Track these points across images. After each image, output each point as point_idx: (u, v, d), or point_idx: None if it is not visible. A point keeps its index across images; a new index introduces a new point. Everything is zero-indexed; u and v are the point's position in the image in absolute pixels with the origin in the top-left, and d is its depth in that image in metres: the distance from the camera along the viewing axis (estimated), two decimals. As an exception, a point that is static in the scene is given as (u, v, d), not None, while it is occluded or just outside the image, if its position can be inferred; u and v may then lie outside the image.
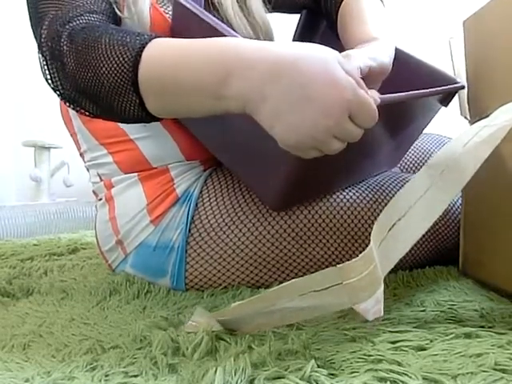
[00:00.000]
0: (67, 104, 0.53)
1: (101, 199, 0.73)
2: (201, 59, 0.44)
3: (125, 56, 0.46)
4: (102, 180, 0.73)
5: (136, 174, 0.69)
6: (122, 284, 0.68)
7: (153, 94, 0.47)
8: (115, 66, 0.47)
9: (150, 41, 0.47)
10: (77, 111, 0.53)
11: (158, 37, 0.48)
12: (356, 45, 0.60)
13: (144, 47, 0.46)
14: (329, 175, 0.62)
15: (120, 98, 0.48)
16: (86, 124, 0.72)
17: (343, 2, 0.73)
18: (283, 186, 0.58)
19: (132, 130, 0.68)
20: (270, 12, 0.79)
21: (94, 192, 0.77)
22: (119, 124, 0.68)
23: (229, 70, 0.42)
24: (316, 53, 0.41)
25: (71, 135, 0.77)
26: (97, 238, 0.75)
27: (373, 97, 0.42)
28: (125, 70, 0.46)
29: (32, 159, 1.81)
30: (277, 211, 0.65)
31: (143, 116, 0.49)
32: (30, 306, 0.61)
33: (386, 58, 0.56)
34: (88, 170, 0.77)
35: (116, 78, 0.47)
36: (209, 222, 0.66)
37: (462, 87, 0.63)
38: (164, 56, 0.46)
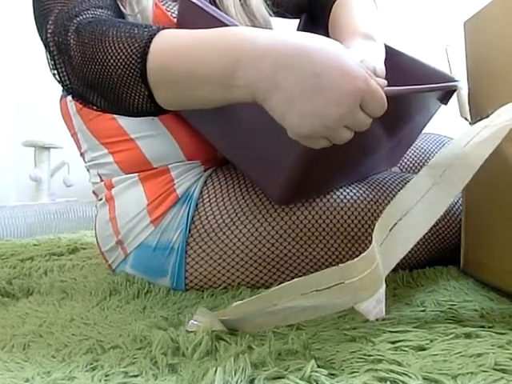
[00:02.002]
0: (75, 99, 0.53)
1: (101, 199, 0.73)
2: (212, 48, 0.44)
3: (133, 47, 0.46)
4: (102, 180, 0.73)
5: (136, 174, 0.69)
6: (122, 284, 0.68)
7: (162, 84, 0.47)
8: (123, 57, 0.46)
9: (158, 32, 0.47)
10: (84, 106, 0.53)
11: (166, 28, 0.48)
12: (346, 37, 0.63)
13: (152, 38, 0.46)
14: (332, 170, 0.62)
15: (128, 90, 0.47)
16: (86, 124, 0.72)
17: (335, 3, 0.74)
18: (290, 179, 0.57)
19: (133, 130, 0.68)
20: (272, 16, 0.79)
21: (94, 192, 0.77)
22: (120, 123, 0.69)
23: (240, 58, 0.42)
24: (328, 44, 0.42)
25: (72, 135, 0.77)
26: (97, 238, 0.75)
27: (380, 84, 0.43)
28: (133, 62, 0.46)
29: (32, 159, 1.81)
30: (282, 205, 0.65)
31: (151, 108, 0.49)
32: (30, 306, 0.61)
33: (381, 64, 0.58)
34: (88, 170, 0.77)
35: (124, 69, 0.46)
36: (209, 222, 0.66)
37: (457, 86, 0.64)
38: (173, 46, 0.46)
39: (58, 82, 0.52)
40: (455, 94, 0.66)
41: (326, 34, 0.77)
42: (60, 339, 0.48)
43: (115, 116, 0.68)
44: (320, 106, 0.41)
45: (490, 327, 0.46)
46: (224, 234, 0.66)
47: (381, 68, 0.57)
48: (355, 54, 0.58)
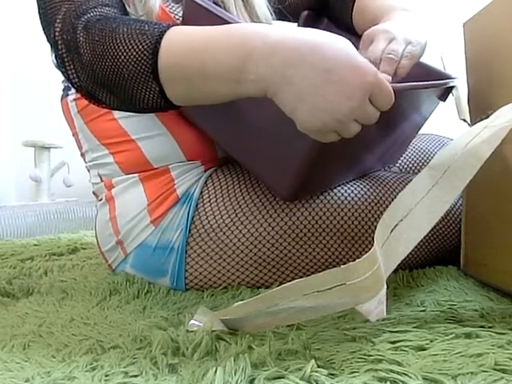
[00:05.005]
0: (84, 97, 0.53)
1: (101, 199, 0.73)
2: (223, 43, 0.44)
3: (144, 44, 0.47)
4: (102, 180, 0.73)
5: (137, 174, 0.69)
6: (122, 284, 0.68)
7: (173, 80, 0.47)
8: (134, 54, 0.47)
9: (168, 29, 0.47)
10: (93, 103, 0.53)
11: (176, 25, 0.48)
12: (384, 13, 0.64)
13: (163, 35, 0.47)
14: (336, 166, 0.63)
15: (139, 86, 0.48)
16: (87, 124, 0.72)
17: None
18: (297, 174, 0.58)
19: (133, 130, 0.68)
20: (273, 15, 0.79)
21: (94, 193, 0.77)
22: (121, 124, 0.69)
23: (251, 53, 0.43)
24: (337, 40, 0.43)
25: (73, 135, 0.77)
26: (97, 238, 0.75)
27: (386, 79, 0.44)
28: (144, 58, 0.46)
29: (32, 159, 1.81)
30: (288, 201, 0.65)
31: (162, 104, 0.49)
32: (30, 306, 0.61)
33: (424, 39, 0.60)
34: (89, 170, 0.77)
35: (135, 66, 0.47)
36: (209, 222, 0.66)
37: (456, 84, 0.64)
38: (184, 42, 0.46)
39: (67, 80, 0.52)
40: (454, 96, 0.66)
41: (345, 24, 0.78)
42: (60, 339, 0.48)
43: (116, 117, 0.69)
44: (331, 100, 0.42)
45: (490, 327, 0.46)
46: (224, 234, 0.66)
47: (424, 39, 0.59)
48: (398, 25, 0.58)
